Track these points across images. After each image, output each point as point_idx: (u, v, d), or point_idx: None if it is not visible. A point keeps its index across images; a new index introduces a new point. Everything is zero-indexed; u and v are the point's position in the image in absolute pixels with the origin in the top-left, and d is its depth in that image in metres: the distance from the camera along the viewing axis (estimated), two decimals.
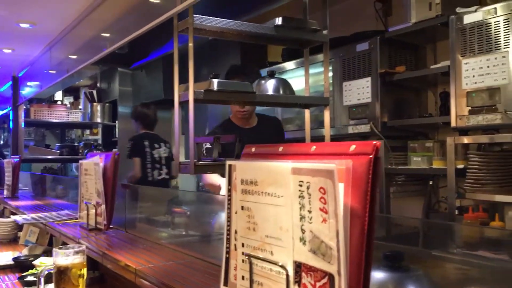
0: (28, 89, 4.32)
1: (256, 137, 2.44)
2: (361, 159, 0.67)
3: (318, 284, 0.70)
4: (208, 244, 1.55)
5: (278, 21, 1.89)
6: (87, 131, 6.55)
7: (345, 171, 0.68)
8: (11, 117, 4.38)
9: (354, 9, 3.56)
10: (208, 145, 2.34)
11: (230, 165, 0.94)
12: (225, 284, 0.93)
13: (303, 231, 0.74)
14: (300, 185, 0.74)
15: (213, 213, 1.70)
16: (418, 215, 2.96)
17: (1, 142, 6.01)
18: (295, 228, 0.76)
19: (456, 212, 2.50)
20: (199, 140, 2.08)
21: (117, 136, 5.59)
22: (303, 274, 0.74)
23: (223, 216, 1.55)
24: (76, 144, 5.19)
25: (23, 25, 2.59)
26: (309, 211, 0.73)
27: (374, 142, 0.67)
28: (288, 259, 0.77)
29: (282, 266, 0.77)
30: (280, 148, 0.88)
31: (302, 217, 0.74)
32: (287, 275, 0.77)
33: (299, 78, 3.32)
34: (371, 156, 0.66)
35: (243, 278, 0.88)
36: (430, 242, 1.35)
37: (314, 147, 0.78)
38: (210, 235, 1.62)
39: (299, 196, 0.75)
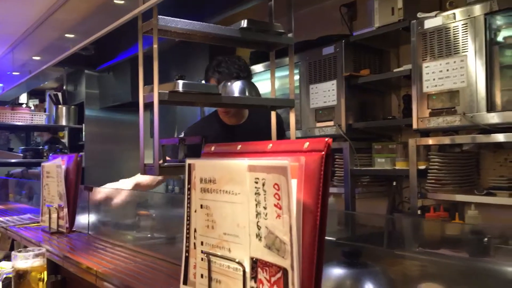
0: None
1: (243, 135, 2.29)
2: (314, 156, 0.69)
3: (273, 279, 0.72)
4: (172, 245, 1.55)
5: (244, 23, 1.91)
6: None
7: (298, 168, 0.69)
8: None
9: (320, 14, 3.61)
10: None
11: (189, 164, 0.95)
12: (185, 283, 0.94)
13: (259, 227, 0.75)
14: (256, 182, 0.76)
15: (178, 214, 1.70)
16: (382, 219, 3.02)
17: None
18: (252, 224, 0.77)
19: (419, 211, 2.57)
20: (164, 142, 2.08)
21: (83, 140, 5.50)
22: (259, 269, 0.75)
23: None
24: (40, 147, 5.06)
25: None
26: (265, 208, 0.74)
27: (326, 139, 0.69)
28: (245, 256, 0.79)
29: (239, 263, 0.78)
30: (239, 147, 0.89)
31: (258, 214, 0.76)
32: (244, 272, 0.78)
33: (267, 81, 3.35)
34: (323, 152, 0.68)
35: (202, 276, 0.89)
36: (392, 241, 1.39)
37: (271, 145, 0.80)
38: (174, 237, 1.62)
39: (255, 193, 0.76)
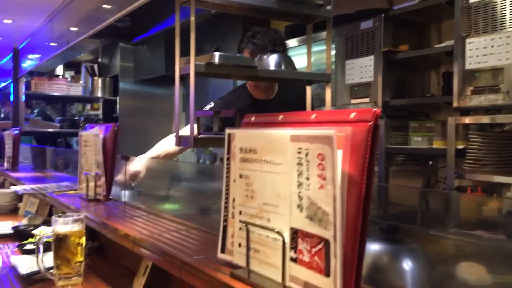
0: (29, 62, 4.30)
1: (273, 110, 2.32)
2: (361, 126, 0.67)
3: (313, 249, 0.71)
4: (206, 215, 1.56)
5: None
6: (88, 106, 6.53)
7: (344, 138, 0.68)
8: (11, 90, 4.37)
9: None
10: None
11: (229, 134, 0.94)
12: (222, 251, 0.94)
13: (300, 198, 0.74)
14: (299, 152, 0.74)
15: (212, 185, 1.71)
16: (416, 195, 2.97)
17: (2, 116, 6.00)
18: (293, 195, 0.76)
19: (455, 192, 2.51)
20: (200, 114, 2.08)
21: (117, 112, 5.59)
22: (299, 240, 0.74)
23: (220, 187, 1.56)
24: (76, 118, 5.18)
25: None
26: (307, 178, 0.73)
27: (374, 110, 0.66)
28: (285, 226, 0.78)
29: (278, 233, 0.78)
30: (280, 117, 0.87)
31: (299, 184, 0.75)
32: (284, 242, 0.77)
33: (301, 55, 3.29)
34: (370, 123, 0.66)
35: (240, 245, 0.89)
36: (428, 221, 1.36)
37: (314, 115, 0.78)
38: (209, 207, 1.63)
39: (298, 163, 0.75)
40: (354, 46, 3.05)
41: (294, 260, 0.75)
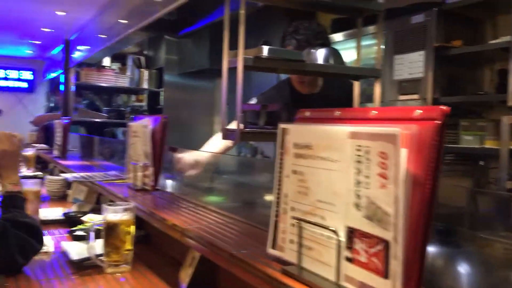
0: (78, 53, 4.42)
1: (317, 105, 2.28)
2: (428, 125, 0.64)
3: (372, 250, 0.69)
4: (251, 208, 1.56)
5: None
6: (133, 97, 6.68)
7: (409, 136, 0.65)
8: (62, 80, 4.52)
9: None
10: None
11: (283, 129, 0.93)
12: (273, 246, 0.93)
13: (358, 196, 0.72)
14: (358, 150, 0.72)
15: (258, 178, 1.71)
16: (465, 195, 2.87)
17: (52, 105, 6.22)
18: (350, 193, 0.74)
19: (508, 193, 2.40)
20: (246, 108, 2.08)
21: (162, 104, 5.68)
22: (356, 240, 0.73)
23: (269, 181, 1.55)
24: (123, 109, 5.30)
25: None
26: (366, 176, 0.71)
27: (442, 107, 0.63)
28: (340, 224, 0.76)
29: (333, 231, 0.76)
30: (337, 113, 0.85)
31: (358, 182, 0.73)
32: (339, 240, 0.75)
33: (347, 50, 3.23)
34: (438, 121, 0.63)
35: (291, 242, 0.88)
36: (477, 223, 1.30)
37: (375, 111, 0.76)
38: (253, 200, 1.63)
39: (356, 161, 0.73)
40: (404, 41, 2.96)
41: (349, 259, 0.74)
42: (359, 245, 0.72)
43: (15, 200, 1.42)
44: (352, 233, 0.74)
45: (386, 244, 0.66)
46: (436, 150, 0.63)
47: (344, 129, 0.75)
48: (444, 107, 0.63)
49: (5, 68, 5.66)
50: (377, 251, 0.68)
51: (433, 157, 0.63)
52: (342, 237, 0.75)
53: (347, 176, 0.75)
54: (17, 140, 1.56)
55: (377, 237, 0.68)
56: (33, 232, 1.35)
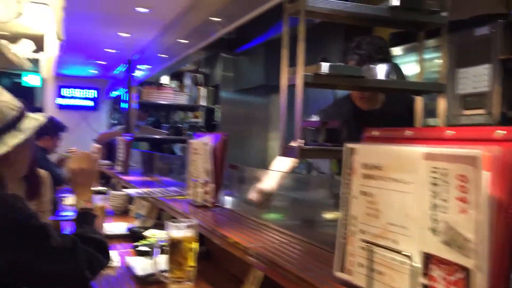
0: (140, 72, 4.60)
1: (378, 121, 2.11)
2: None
3: (451, 278, 0.66)
4: (313, 227, 1.54)
5: (395, 1, 1.80)
6: (190, 114, 6.84)
7: (492, 159, 0.62)
8: (125, 98, 4.71)
9: None
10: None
11: (350, 148, 0.91)
12: (340, 270, 0.91)
13: (434, 221, 0.69)
14: (434, 172, 0.70)
15: (316, 195, 1.68)
16: None
17: (114, 122, 6.49)
18: (425, 217, 0.71)
19: None
20: (305, 124, 2.07)
21: (217, 120, 5.78)
22: (433, 266, 0.69)
23: (331, 200, 1.53)
24: (181, 125, 5.44)
25: (140, 10, 2.75)
26: (444, 200, 0.68)
27: None
28: (414, 249, 0.73)
29: (408, 256, 0.73)
30: (409, 132, 0.83)
31: (434, 206, 0.70)
32: (414, 266, 0.72)
33: (406, 64, 3.15)
34: None
35: (361, 265, 0.85)
36: None
37: (450, 131, 0.73)
38: (312, 218, 1.61)
39: (432, 184, 0.70)
40: (468, 54, 2.85)
41: (425, 287, 0.70)
42: (436, 272, 0.69)
43: (88, 216, 1.48)
44: (428, 259, 0.70)
45: (467, 272, 0.63)
46: None
47: (418, 149, 0.73)
48: None
49: (71, 87, 5.97)
50: (457, 279, 0.64)
51: None
52: (418, 263, 0.72)
53: (422, 199, 0.72)
54: (94, 159, 1.64)
55: (457, 264, 0.64)
56: (101, 247, 1.40)
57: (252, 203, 1.84)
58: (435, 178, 0.69)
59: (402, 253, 0.75)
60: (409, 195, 0.75)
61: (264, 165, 5.75)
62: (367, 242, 0.83)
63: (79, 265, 1.30)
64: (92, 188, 1.57)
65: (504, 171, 0.61)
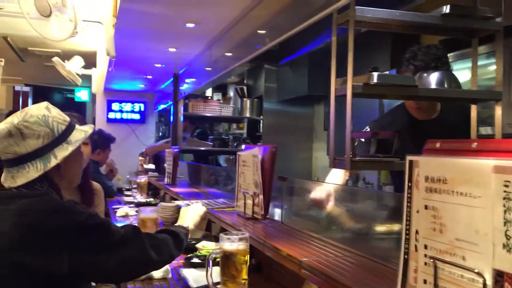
0: (186, 85, 4.69)
1: (435, 131, 2.10)
2: None
3: None
4: (367, 240, 1.50)
5: (446, 9, 1.76)
6: (234, 125, 6.90)
7: None
8: (172, 111, 4.81)
9: None
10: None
11: (411, 161, 0.89)
12: (403, 286, 0.88)
13: (508, 237, 0.66)
14: (506, 186, 0.67)
15: (366, 207, 1.65)
16: None
17: (160, 134, 6.64)
18: (497, 232, 0.68)
19: None
20: (356, 135, 2.04)
21: (261, 131, 5.80)
22: (507, 284, 0.66)
23: (382, 212, 1.50)
24: (225, 137, 5.50)
25: (188, 25, 2.80)
26: None
27: None
28: (485, 266, 0.70)
29: (478, 273, 0.70)
30: (474, 144, 0.80)
31: (506, 222, 0.67)
32: (485, 284, 0.69)
33: (456, 72, 3.06)
34: None
35: (425, 282, 0.83)
36: None
37: None
38: (365, 231, 1.57)
39: (504, 198, 0.67)
40: None
41: None
42: None
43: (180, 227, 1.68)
44: (501, 276, 0.67)
45: None
46: None
47: (487, 162, 0.70)
48: None
49: (120, 102, 6.16)
50: None
51: None
52: (489, 280, 0.69)
53: (492, 213, 0.69)
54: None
55: None
56: (174, 236, 1.48)
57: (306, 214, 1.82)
58: (507, 192, 0.66)
59: (474, 270, 0.72)
60: (478, 210, 0.72)
61: (309, 176, 5.73)
62: (433, 258, 0.80)
63: (143, 247, 1.36)
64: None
65: None
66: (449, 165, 0.79)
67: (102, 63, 4.83)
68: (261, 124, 5.82)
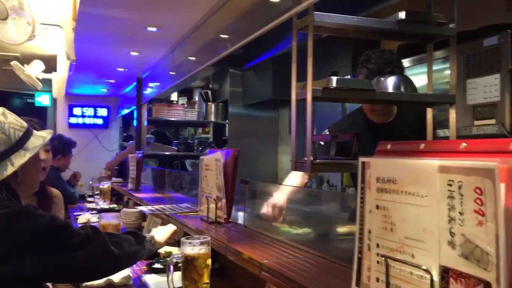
0: (150, 90, 4.64)
1: (391, 134, 2.16)
2: None
3: None
4: (327, 242, 1.53)
5: (401, 15, 1.81)
6: (200, 130, 6.87)
7: (507, 171, 0.62)
8: (135, 116, 4.74)
9: (479, 1, 3.30)
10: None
11: (363, 162, 0.91)
12: (357, 284, 0.91)
13: (452, 234, 0.69)
14: (450, 185, 0.70)
15: (328, 209, 1.68)
16: None
17: (123, 142, 6.54)
18: (442, 230, 0.71)
19: None
20: (316, 139, 2.07)
21: (227, 135, 5.80)
22: (452, 280, 0.69)
23: (343, 214, 1.53)
24: (191, 141, 5.47)
25: (150, 29, 2.78)
26: (461, 213, 0.68)
27: None
28: (432, 263, 0.73)
29: (426, 270, 0.73)
30: (422, 145, 0.83)
31: (451, 219, 0.70)
32: (432, 280, 0.72)
33: (414, 76, 3.15)
34: None
35: (377, 280, 0.85)
36: None
37: (464, 144, 0.73)
38: (329, 234, 1.60)
39: (448, 197, 0.70)
40: (477, 65, 2.85)
41: None
42: (455, 285, 0.68)
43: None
44: (446, 272, 0.70)
45: (487, 285, 0.63)
46: None
47: (433, 162, 0.73)
48: None
49: (82, 106, 6.04)
50: None
51: None
52: (436, 277, 0.72)
53: (438, 212, 0.72)
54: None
55: (477, 278, 0.64)
56: (134, 235, 1.49)
57: (266, 218, 1.84)
58: (451, 191, 0.69)
59: (421, 267, 0.74)
60: (425, 209, 0.75)
61: (275, 179, 5.77)
62: (384, 256, 0.83)
63: (104, 244, 1.38)
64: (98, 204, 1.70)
65: None
66: (398, 166, 0.82)
67: (63, 67, 4.73)
68: (227, 128, 5.82)
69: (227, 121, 5.68)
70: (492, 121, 2.73)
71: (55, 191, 2.44)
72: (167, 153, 4.90)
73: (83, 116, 5.98)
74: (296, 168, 1.79)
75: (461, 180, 0.67)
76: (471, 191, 0.65)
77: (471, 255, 0.65)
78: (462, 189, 0.67)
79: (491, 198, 0.62)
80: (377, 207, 0.86)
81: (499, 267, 0.61)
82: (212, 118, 5.45)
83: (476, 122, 2.84)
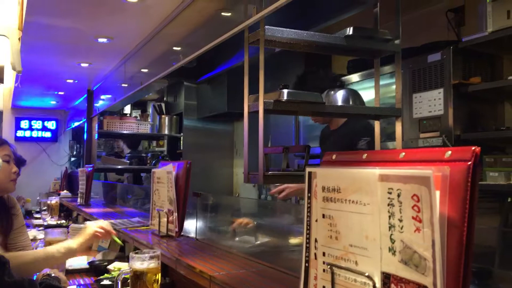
0: (101, 102, 4.54)
1: (340, 139, 2.36)
2: (459, 166, 0.63)
3: None
4: (279, 253, 1.54)
5: (349, 31, 1.87)
6: (154, 143, 6.78)
7: (441, 178, 0.64)
8: (85, 129, 4.62)
9: (424, 19, 3.46)
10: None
11: (310, 172, 0.93)
12: None
13: (392, 240, 0.71)
14: (390, 193, 0.72)
15: (282, 222, 1.69)
16: (492, 234, 2.78)
17: (75, 153, 6.34)
18: (383, 237, 0.73)
19: None
20: (268, 151, 2.09)
21: (181, 148, 5.75)
22: (393, 285, 0.71)
23: (291, 223, 1.54)
24: (144, 155, 5.37)
25: (101, 40, 2.73)
26: (400, 220, 0.70)
27: (473, 148, 0.63)
28: (375, 270, 0.75)
29: (368, 277, 0.75)
30: (364, 155, 0.85)
31: (391, 226, 0.72)
32: (374, 287, 0.74)
33: (364, 90, 3.26)
34: (469, 162, 0.63)
35: None
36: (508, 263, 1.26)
37: (403, 153, 0.76)
38: (280, 244, 1.61)
39: (388, 204, 0.72)
40: (422, 79, 2.98)
41: None
42: None
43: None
44: (388, 278, 0.72)
45: None
46: (470, 191, 0.62)
47: (373, 171, 0.75)
48: (475, 147, 0.63)
49: (30, 119, 5.82)
50: None
51: (467, 198, 0.62)
52: (378, 283, 0.73)
53: (379, 219, 0.74)
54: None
55: (415, 283, 0.66)
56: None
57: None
58: (391, 199, 0.71)
59: (364, 274, 0.76)
60: (367, 216, 0.77)
61: (230, 192, 5.75)
62: (329, 264, 0.84)
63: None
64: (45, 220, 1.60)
65: (454, 190, 0.64)
66: (342, 175, 0.84)
67: (9, 78, 4.55)
68: (181, 141, 5.77)
69: (181, 134, 5.63)
70: (436, 134, 2.85)
71: (11, 198, 2.32)
72: (119, 166, 4.79)
73: (30, 129, 5.77)
74: (249, 180, 1.80)
75: (399, 188, 0.70)
76: (409, 199, 0.68)
77: (410, 260, 0.67)
78: (401, 197, 0.69)
79: (427, 205, 0.64)
80: (323, 216, 0.88)
81: (435, 271, 0.63)
82: (166, 131, 5.38)
83: (422, 135, 2.96)
